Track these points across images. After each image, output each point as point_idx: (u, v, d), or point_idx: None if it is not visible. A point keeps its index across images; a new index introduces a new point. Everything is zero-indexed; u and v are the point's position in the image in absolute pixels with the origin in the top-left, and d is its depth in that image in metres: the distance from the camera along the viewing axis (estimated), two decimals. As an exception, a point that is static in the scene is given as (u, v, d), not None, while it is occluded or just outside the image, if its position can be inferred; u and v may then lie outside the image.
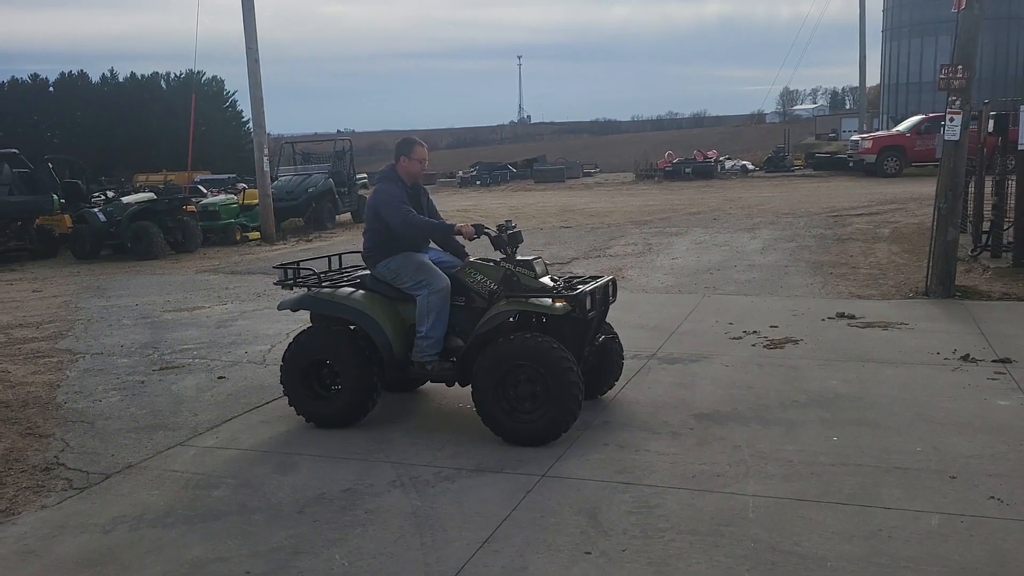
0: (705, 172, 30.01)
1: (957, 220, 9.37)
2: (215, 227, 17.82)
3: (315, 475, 4.83)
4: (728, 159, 33.07)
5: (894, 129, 29.57)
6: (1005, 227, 10.80)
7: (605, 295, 5.69)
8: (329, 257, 6.24)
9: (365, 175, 25.34)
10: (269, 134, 21.23)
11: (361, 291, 5.59)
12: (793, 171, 31.67)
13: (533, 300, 5.17)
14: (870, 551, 3.70)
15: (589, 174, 35.51)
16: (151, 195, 17.34)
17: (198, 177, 27.98)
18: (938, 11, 35.59)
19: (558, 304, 5.11)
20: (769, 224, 16.02)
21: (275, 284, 6.13)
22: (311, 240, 17.98)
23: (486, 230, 5.49)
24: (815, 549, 3.74)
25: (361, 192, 22.15)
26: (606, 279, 5.75)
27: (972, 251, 11.21)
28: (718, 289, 9.95)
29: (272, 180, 19.33)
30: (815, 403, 5.70)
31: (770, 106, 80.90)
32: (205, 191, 22.03)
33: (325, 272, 5.92)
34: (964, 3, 8.74)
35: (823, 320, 8.12)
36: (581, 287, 5.35)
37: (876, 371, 6.41)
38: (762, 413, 5.55)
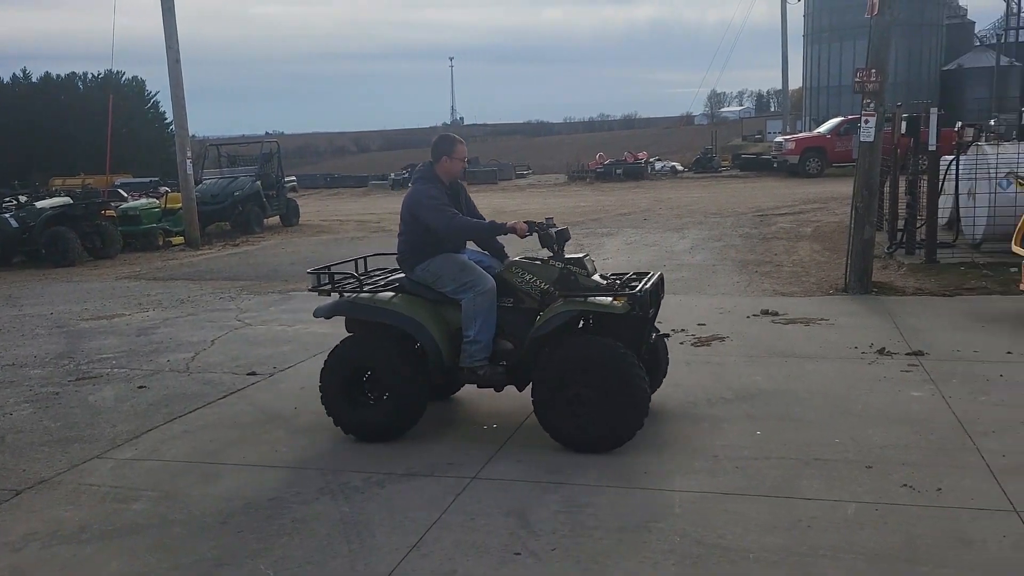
0: (636, 173, 30.44)
1: (873, 219, 9.68)
2: (136, 232, 17.32)
3: (240, 485, 4.72)
4: (658, 160, 33.63)
5: (815, 131, 30.48)
6: (918, 225, 11.22)
7: (657, 291, 5.46)
8: (356, 260, 5.88)
9: (294, 178, 24.98)
10: (194, 136, 20.75)
11: (403, 295, 5.30)
12: (721, 172, 32.37)
13: (593, 300, 4.97)
14: (791, 541, 3.79)
15: (522, 175, 35.67)
16: (67, 199, 16.74)
17: (118, 180, 27.15)
18: (856, 16, 36.75)
19: (618, 303, 4.92)
20: (697, 224, 16.33)
21: (310, 290, 5.62)
22: (238, 244, 17.62)
23: (537, 228, 5.26)
24: (739, 541, 3.81)
25: (290, 195, 21.80)
26: (657, 274, 5.52)
27: (888, 248, 11.61)
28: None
29: (196, 183, 18.88)
30: (740, 399, 5.81)
31: (698, 108, 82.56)
32: (125, 195, 21.39)
33: (365, 276, 5.64)
34: (876, 9, 9.05)
35: (748, 317, 8.30)
36: (637, 284, 5.19)
37: (798, 366, 6.59)
38: (690, 410, 5.64)
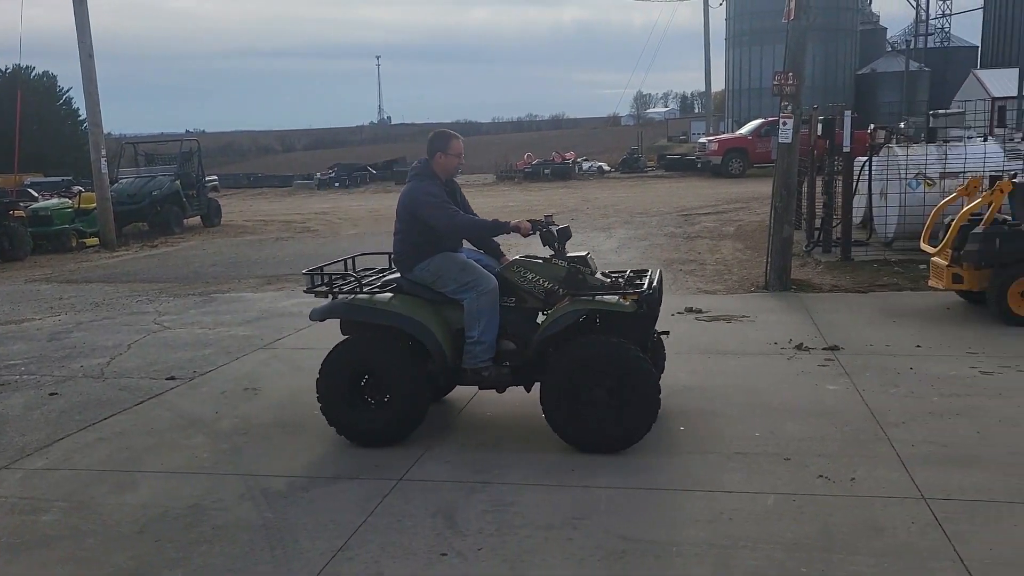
0: (563, 173, 30.68)
1: (792, 218, 9.97)
2: (47, 233, 16.67)
3: (157, 493, 4.58)
4: (585, 160, 33.95)
5: (737, 132, 31.21)
6: (834, 224, 11.59)
7: (660, 289, 5.38)
8: (345, 260, 5.76)
9: (215, 177, 24.39)
10: (109, 134, 20.07)
11: (402, 296, 5.16)
12: (647, 172, 32.87)
13: (602, 299, 4.92)
14: (713, 534, 3.87)
15: (450, 175, 35.57)
16: (-28, 200, 16.00)
17: (28, 180, 26.08)
18: (775, 21, 37.64)
19: (626, 302, 4.89)
20: (624, 224, 16.54)
21: (305, 292, 5.45)
22: (156, 245, 17.11)
23: (542, 226, 5.19)
24: (663, 535, 3.87)
25: (211, 195, 21.27)
26: (658, 272, 5.46)
27: (806, 247, 11.96)
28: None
29: (112, 182, 18.26)
30: (665, 395, 5.86)
31: (625, 109, 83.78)
32: (36, 194, 20.56)
33: (363, 276, 5.50)
34: (793, 15, 9.32)
35: (673, 315, 8.43)
36: (640, 282, 5.18)
37: (720, 362, 6.73)
38: (615, 407, 5.70)
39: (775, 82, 9.56)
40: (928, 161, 11.33)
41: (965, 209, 8.28)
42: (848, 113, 11.24)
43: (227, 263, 13.38)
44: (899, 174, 11.33)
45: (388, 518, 4.17)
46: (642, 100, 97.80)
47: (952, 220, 8.26)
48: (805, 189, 12.99)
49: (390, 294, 5.18)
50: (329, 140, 75.97)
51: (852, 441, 4.94)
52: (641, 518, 4.06)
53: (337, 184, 32.50)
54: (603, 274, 5.28)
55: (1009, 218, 8.08)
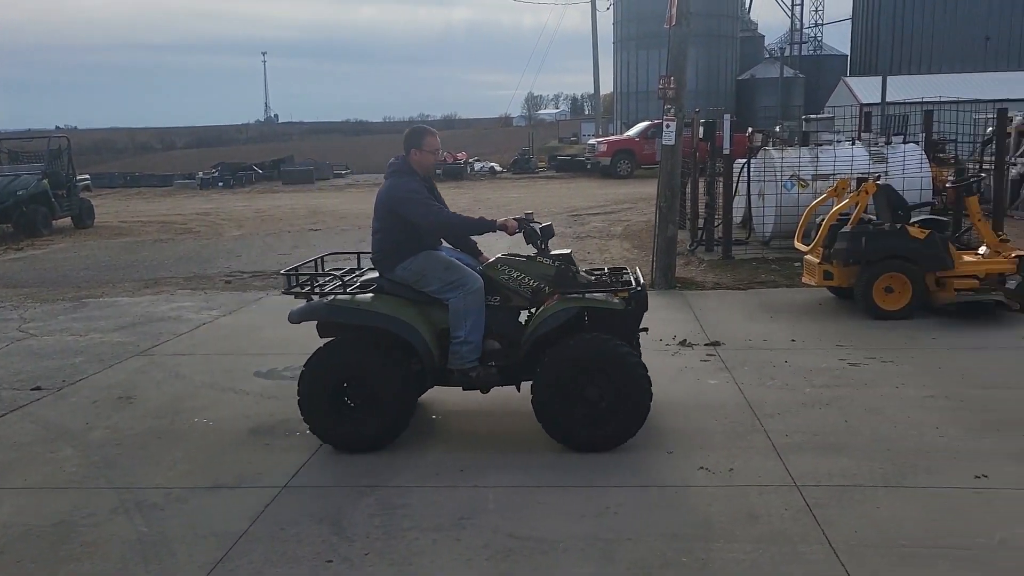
0: (455, 173, 30.64)
1: (676, 218, 10.27)
2: (-100, 235, 15.43)
3: (19, 510, 4.31)
4: (477, 160, 33.99)
5: (625, 134, 31.92)
6: (716, 224, 12.01)
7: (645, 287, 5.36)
8: (316, 260, 5.54)
9: (88, 176, 23.20)
10: (-31, 129, 18.72)
11: (384, 296, 4.99)
12: (538, 173, 33.19)
13: (592, 296, 4.92)
14: (599, 528, 3.94)
15: (340, 175, 34.97)
16: None
17: None
18: (660, 26, 38.79)
19: (615, 299, 4.91)
20: (514, 223, 16.64)
21: (283, 293, 5.25)
22: (22, 248, 16.10)
23: (525, 224, 5.10)
24: (550, 532, 3.91)
25: (83, 195, 20.21)
26: (637, 271, 5.45)
27: (690, 246, 12.34)
28: (465, 287, 10.16)
29: (-27, 181, 17.09)
30: (553, 393, 5.96)
31: (517, 110, 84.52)
32: None
33: (347, 276, 5.31)
34: (674, 20, 9.59)
35: (562, 314, 8.54)
36: (630, 279, 5.16)
37: (607, 359, 6.85)
38: (507, 406, 5.72)
39: (659, 86, 9.83)
40: (801, 163, 11.88)
41: (834, 209, 8.72)
42: (727, 117, 11.67)
43: (101, 266, 12.74)
44: (775, 176, 11.83)
45: (272, 526, 4.06)
46: (533, 101, 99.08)
47: (823, 220, 8.69)
48: (689, 190, 13.40)
49: (371, 295, 5.02)
50: (212, 138, 73.39)
51: (731, 433, 5.13)
52: (529, 516, 4.09)
53: (221, 184, 31.42)
54: (586, 272, 5.31)
55: (874, 218, 8.56)
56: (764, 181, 11.96)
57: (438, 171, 30.63)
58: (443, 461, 4.80)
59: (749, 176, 12.39)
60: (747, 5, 52.30)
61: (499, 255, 5.24)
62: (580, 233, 15.02)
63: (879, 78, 29.55)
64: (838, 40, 69.79)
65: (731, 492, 4.29)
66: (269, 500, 4.34)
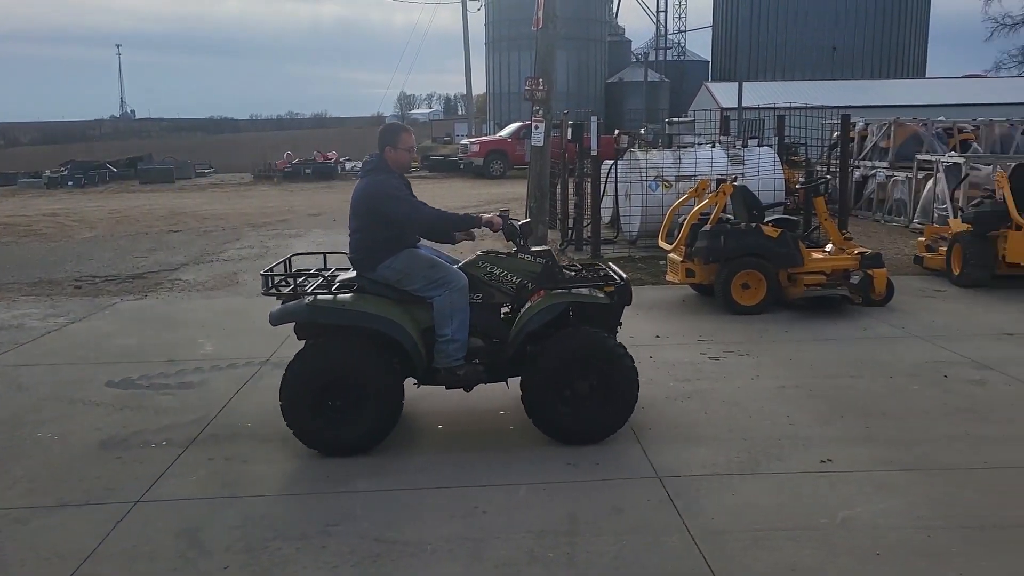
0: (326, 173, 30.01)
1: (546, 218, 10.44)
2: None
3: None
4: (349, 160, 33.40)
5: (498, 134, 32.19)
6: (585, 223, 12.27)
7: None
8: (285, 260, 5.34)
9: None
10: None
11: (370, 296, 4.86)
12: (411, 172, 32.94)
13: (579, 292, 4.98)
14: (467, 528, 3.94)
15: (203, 174, 33.59)
16: None
17: None
18: (530, 28, 39.43)
19: (600, 294, 4.98)
20: (386, 224, 16.47)
21: (264, 294, 5.00)
22: None
23: (509, 221, 5.04)
24: (418, 534, 3.88)
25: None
26: (612, 266, 5.46)
27: (560, 245, 12.55)
28: (335, 289, 9.97)
29: None
30: (423, 396, 5.90)
31: (389, 109, 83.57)
32: None
33: (327, 276, 5.17)
34: (541, 23, 9.74)
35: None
36: (610, 274, 5.20)
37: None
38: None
39: (527, 87, 9.97)
40: (665, 165, 12.30)
41: (695, 209, 9.07)
42: (595, 119, 11.94)
43: (-66, 271, 11.74)
44: (641, 177, 12.20)
45: (124, 544, 3.84)
46: (406, 100, 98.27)
47: (685, 219, 9.03)
48: (559, 190, 13.63)
49: (354, 294, 4.89)
50: (62, 135, 68.81)
51: (598, 428, 5.23)
52: (397, 519, 4.04)
53: (71, 183, 29.50)
54: (567, 267, 5.37)
55: (732, 217, 8.96)
56: (630, 182, 12.31)
57: (307, 170, 29.97)
58: (309, 468, 4.68)
59: (616, 177, 12.73)
60: (615, 10, 53.76)
61: (478, 252, 5.22)
62: (453, 233, 15.00)
63: (738, 84, 30.99)
64: (701, 47, 72.72)
65: (597, 486, 4.39)
66: (120, 516, 4.10)
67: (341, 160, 32.22)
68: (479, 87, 51.66)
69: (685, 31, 57.05)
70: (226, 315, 8.61)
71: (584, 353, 4.87)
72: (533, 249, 5.19)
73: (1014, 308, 8.40)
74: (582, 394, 4.88)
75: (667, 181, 12.16)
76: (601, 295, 5.07)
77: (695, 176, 11.50)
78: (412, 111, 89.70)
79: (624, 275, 5.24)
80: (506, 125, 33.84)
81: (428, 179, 30.05)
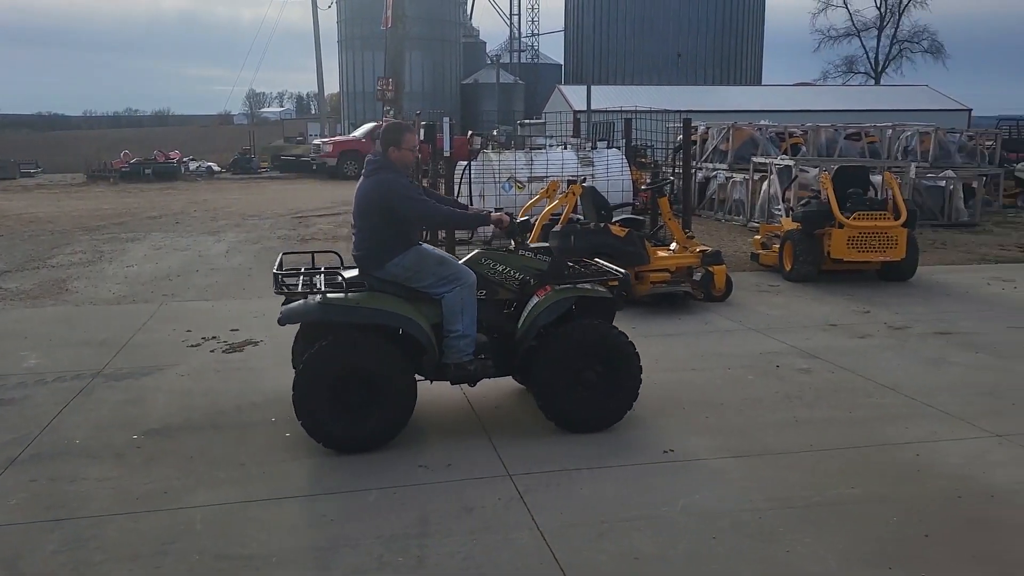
0: (168, 173, 28.57)
1: (398, 219, 10.31)
2: None
3: None
4: (193, 160, 31.95)
5: (352, 134, 31.67)
6: (439, 224, 12.25)
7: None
8: (279, 259, 5.39)
9: None
10: None
11: (380, 293, 4.92)
12: (260, 173, 31.92)
13: (582, 286, 5.22)
14: (314, 538, 3.84)
15: (29, 174, 31.22)
16: None
17: None
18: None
19: (601, 288, 5.26)
20: (235, 227, 15.87)
21: (278, 293, 4.99)
22: None
23: (515, 218, 5.28)
24: (262, 548, 3.75)
25: None
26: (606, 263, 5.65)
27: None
28: (177, 296, 9.51)
29: None
30: (271, 402, 5.74)
31: (237, 107, 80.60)
32: None
33: (341, 275, 5.10)
34: (390, 23, 9.65)
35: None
36: (609, 269, 5.45)
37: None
38: (217, 419, 5.42)
39: (378, 87, 9.85)
40: (518, 166, 12.47)
41: (546, 209, 9.23)
42: (446, 119, 11.95)
43: None
44: (494, 178, 12.31)
45: (-71, 580, 3.50)
46: (256, 99, 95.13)
47: (536, 220, 9.16)
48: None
49: (364, 292, 4.94)
50: None
51: (452, 429, 5.24)
52: (239, 533, 3.89)
53: (366, 176, 26.63)
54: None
55: (581, 217, 9.18)
56: (484, 183, 12.40)
57: (147, 171, 28.46)
58: (143, 484, 4.43)
59: (471, 178, 12.78)
60: (469, 12, 54.06)
61: (478, 250, 5.37)
62: (304, 236, 14.63)
63: (587, 87, 31.83)
64: (555, 50, 74.31)
65: (448, 487, 4.38)
66: (-75, 550, 3.74)
67: (184, 160, 30.78)
68: (333, 86, 50.70)
69: (538, 35, 58.12)
70: (54, 325, 8.03)
71: (594, 344, 5.10)
72: (532, 246, 5.39)
73: (837, 301, 9.04)
74: (591, 383, 5.08)
75: (520, 182, 12.34)
76: (603, 289, 5.34)
77: (547, 177, 11.72)
78: (262, 110, 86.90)
79: (624, 270, 5.54)
80: (361, 125, 33.34)
81: (278, 180, 29.20)
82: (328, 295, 4.88)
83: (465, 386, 5.99)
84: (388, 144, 5.09)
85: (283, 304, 5.03)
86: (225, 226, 15.91)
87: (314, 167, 29.51)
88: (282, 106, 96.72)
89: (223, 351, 7.09)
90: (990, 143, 18.84)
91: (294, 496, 4.28)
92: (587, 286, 5.28)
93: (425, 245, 5.15)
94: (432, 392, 5.92)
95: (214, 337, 7.52)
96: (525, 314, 5.10)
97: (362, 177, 5.17)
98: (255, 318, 8.32)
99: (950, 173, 15.82)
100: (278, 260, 5.39)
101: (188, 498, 4.26)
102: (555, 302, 5.10)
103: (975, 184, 15.93)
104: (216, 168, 31.70)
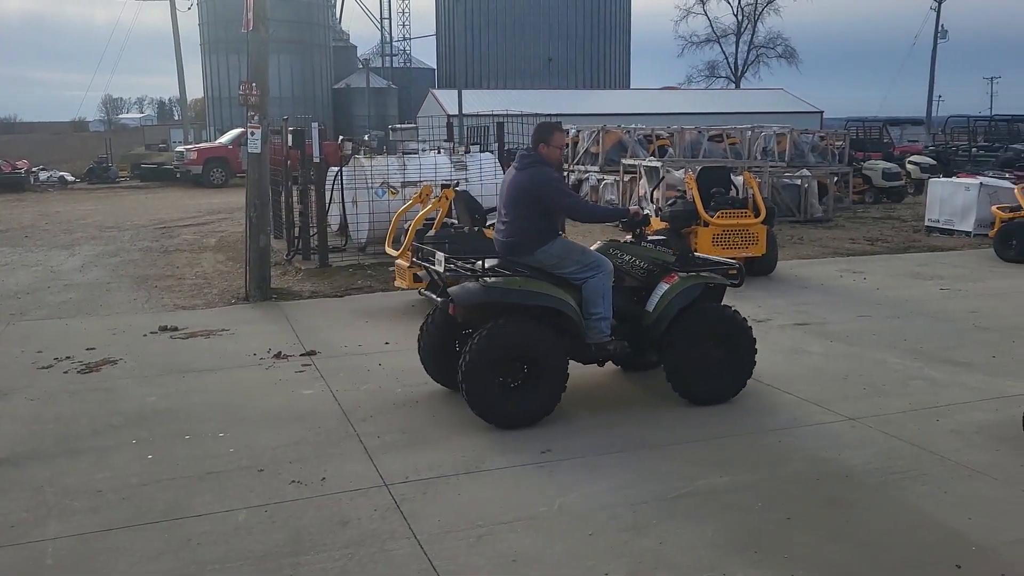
0: (14, 184, 26.68)
1: (268, 227, 10.02)
2: None
3: None
4: (43, 170, 29.98)
5: (218, 141, 30.58)
6: (312, 232, 11.97)
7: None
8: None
9: None
10: None
11: (535, 279, 5.31)
12: (119, 182, 30.35)
13: (711, 275, 5.78)
14: (178, 564, 3.65)
15: None
16: None
17: None
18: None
19: (719, 277, 5.85)
20: (91, 239, 15.01)
21: (446, 274, 5.61)
22: None
23: (647, 212, 6.07)
24: (122, 579, 3.54)
25: None
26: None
27: (287, 255, 12.16)
28: (27, 315, 8.89)
29: None
30: (131, 423, 5.45)
31: (93, 113, 76.26)
32: None
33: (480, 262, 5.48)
34: (252, 25, 9.34)
35: (145, 336, 7.87)
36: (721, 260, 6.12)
37: (196, 380, 6.44)
38: (71, 445, 5.09)
39: (241, 91, 9.51)
40: (391, 171, 12.32)
41: (420, 214, 9.17)
42: (315, 124, 11.69)
43: None
44: (367, 183, 12.12)
45: None
46: (113, 104, 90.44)
47: (410, 225, 9.09)
48: (283, 199, 13.18)
49: (523, 278, 5.32)
50: None
51: (324, 442, 5.11)
52: (98, 565, 3.66)
53: (519, 169, 23.48)
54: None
55: (455, 222, 9.16)
56: (356, 188, 12.19)
57: (-6, 181, 26.54)
58: (-11, 520, 4.10)
59: (343, 184, 12.54)
60: (338, 15, 53.18)
61: (602, 241, 5.90)
62: (168, 247, 14.00)
63: (458, 91, 31.90)
64: (427, 54, 74.06)
65: (323, 501, 4.26)
66: None
67: (34, 170, 28.84)
68: (197, 91, 48.74)
69: (410, 39, 57.82)
70: None
71: (721, 325, 5.66)
72: (650, 238, 6.03)
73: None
74: (717, 360, 5.61)
75: (393, 187, 12.19)
76: (721, 277, 5.86)
77: (420, 182, 11.63)
78: (121, 116, 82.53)
79: (735, 260, 6.25)
80: (227, 131, 32.23)
81: (139, 189, 27.86)
82: (489, 280, 5.32)
83: (338, 395, 5.90)
84: (539, 141, 5.55)
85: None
86: (80, 239, 15.03)
87: (178, 175, 28.32)
88: (142, 112, 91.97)
89: (78, 372, 6.67)
90: (840, 143, 20.04)
91: (158, 521, 4.06)
92: (708, 274, 5.82)
93: (566, 237, 5.73)
94: (304, 405, 5.78)
95: (68, 357, 7.07)
96: (658, 299, 5.61)
97: (513, 170, 5.59)
98: (113, 335, 7.88)
99: (805, 172, 16.73)
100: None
101: (39, 531, 3.97)
102: (687, 287, 5.63)
103: (828, 182, 16.91)
104: (70, 178, 29.86)
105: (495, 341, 5.12)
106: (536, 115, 16.29)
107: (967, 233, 13.99)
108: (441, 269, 5.65)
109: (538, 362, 5.23)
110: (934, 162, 23.36)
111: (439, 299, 5.69)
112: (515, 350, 5.20)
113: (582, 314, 5.39)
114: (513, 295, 5.27)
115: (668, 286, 5.62)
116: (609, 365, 6.06)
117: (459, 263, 5.58)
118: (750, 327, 5.80)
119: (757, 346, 5.81)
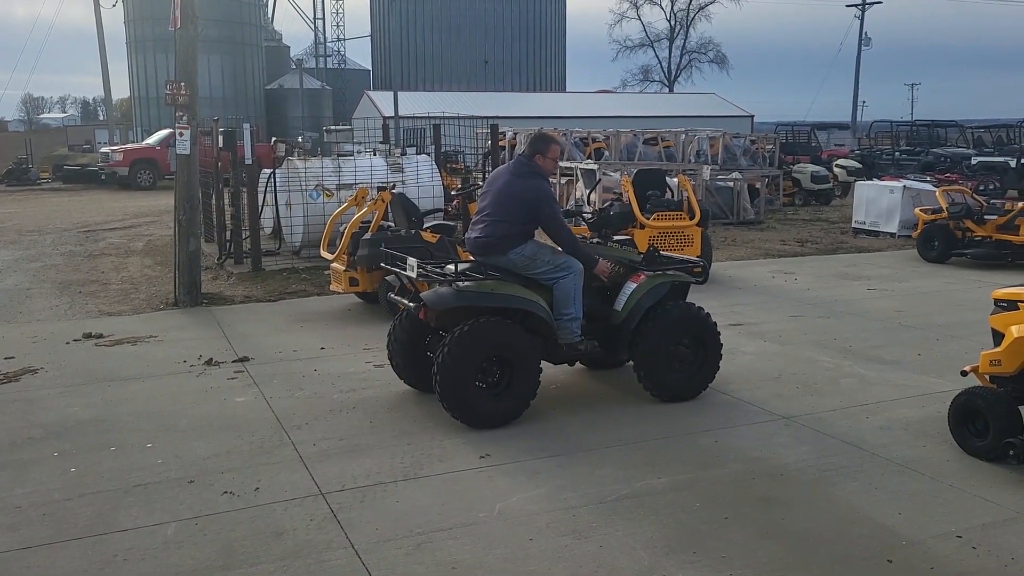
0: (-72, 186, 25.56)
1: (198, 231, 9.75)
2: None
3: None
4: (-40, 173, 28.77)
5: (145, 142, 29.76)
6: (244, 235, 11.70)
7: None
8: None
9: None
10: None
11: (503, 281, 5.34)
12: (40, 184, 29.30)
13: (676, 273, 5.86)
14: (103, 583, 3.50)
15: None
16: None
17: None
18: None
19: (685, 275, 5.94)
20: (10, 244, 14.43)
21: (421, 278, 5.54)
22: None
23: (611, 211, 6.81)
24: (42, 601, 3.37)
25: None
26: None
27: (219, 259, 11.86)
28: (-60, 322, 8.48)
29: None
30: (53, 436, 5.22)
31: (12, 113, 73.47)
32: None
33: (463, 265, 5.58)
34: (179, 23, 9.09)
35: (68, 343, 7.57)
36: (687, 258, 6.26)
37: (122, 389, 6.22)
38: (-12, 459, 4.86)
39: (168, 91, 9.24)
40: (325, 173, 12.13)
41: (356, 217, 9.04)
42: (247, 126, 11.45)
43: None
44: (301, 186, 11.90)
45: None
46: (33, 104, 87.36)
47: (346, 228, 8.96)
48: (214, 201, 12.87)
49: (495, 280, 5.33)
50: None
51: (258, 451, 4.98)
52: (15, 586, 3.48)
53: (516, 176, 21.75)
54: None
55: (392, 224, 9.06)
56: (290, 191, 11.97)
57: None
58: None
59: (276, 186, 12.30)
60: (270, 15, 52.29)
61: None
62: (93, 251, 13.54)
63: (393, 93, 31.68)
64: (362, 55, 73.38)
65: (256, 512, 4.15)
66: None
67: (-52, 171, 27.62)
68: (123, 90, 47.32)
69: (344, 39, 57.18)
70: None
71: (688, 322, 5.72)
72: (616, 238, 6.24)
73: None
74: (685, 357, 5.73)
75: (328, 190, 12.00)
76: (686, 275, 5.93)
77: (356, 184, 11.48)
78: (42, 116, 79.71)
79: (699, 258, 6.44)
80: (154, 132, 31.36)
81: (61, 191, 26.91)
82: (461, 283, 5.28)
83: (272, 403, 5.77)
84: (535, 152, 5.58)
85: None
86: (-1, 243, 14.43)
87: (103, 177, 27.44)
88: (65, 111, 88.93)
89: (-4, 382, 6.38)
90: (770, 147, 20.50)
91: (81, 537, 3.89)
92: (674, 272, 5.90)
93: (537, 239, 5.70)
94: (238, 413, 5.63)
95: (-15, 367, 6.76)
96: (626, 298, 5.66)
97: (509, 174, 5.59)
98: (34, 343, 7.57)
99: (737, 175, 17.07)
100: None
101: (-51, 552, 3.77)
102: (655, 286, 5.69)
103: (759, 185, 17.28)
104: (-14, 180, 28.71)
105: (466, 341, 5.11)
106: (473, 117, 16.26)
107: (892, 234, 14.44)
108: (413, 274, 5.56)
109: (512, 363, 5.27)
110: (860, 165, 24.07)
111: (411, 304, 5.59)
112: (489, 351, 5.20)
113: (553, 315, 5.43)
114: (485, 298, 5.28)
115: (636, 285, 5.70)
116: (578, 366, 6.13)
117: (430, 268, 5.56)
118: (715, 325, 5.89)
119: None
